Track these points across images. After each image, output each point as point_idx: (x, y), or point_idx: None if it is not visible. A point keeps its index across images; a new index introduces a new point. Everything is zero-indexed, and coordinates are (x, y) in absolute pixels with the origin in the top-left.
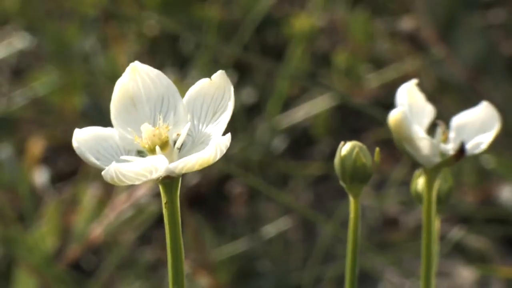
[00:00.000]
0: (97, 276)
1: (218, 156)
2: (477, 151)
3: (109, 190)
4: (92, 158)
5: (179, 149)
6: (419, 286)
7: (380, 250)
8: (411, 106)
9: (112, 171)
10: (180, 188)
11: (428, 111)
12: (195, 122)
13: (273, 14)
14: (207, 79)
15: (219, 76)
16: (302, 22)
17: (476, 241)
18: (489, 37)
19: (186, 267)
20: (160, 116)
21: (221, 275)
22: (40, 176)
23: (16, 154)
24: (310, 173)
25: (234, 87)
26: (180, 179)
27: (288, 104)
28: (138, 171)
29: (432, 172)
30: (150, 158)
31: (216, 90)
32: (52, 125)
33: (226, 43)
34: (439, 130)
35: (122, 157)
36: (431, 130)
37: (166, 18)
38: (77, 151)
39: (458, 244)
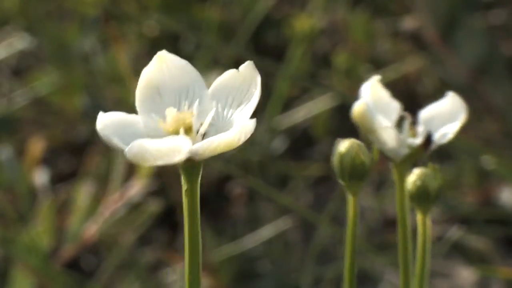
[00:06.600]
0: (97, 277)
1: (243, 139)
2: (444, 140)
3: (103, 188)
4: (116, 140)
5: (202, 137)
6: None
7: (380, 251)
8: (375, 102)
9: (136, 147)
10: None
11: (393, 107)
12: (219, 112)
13: (273, 14)
14: (234, 70)
15: (247, 67)
16: (303, 23)
17: (476, 242)
18: (490, 38)
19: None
20: (185, 103)
21: (221, 275)
22: (40, 177)
23: (16, 154)
24: (310, 174)
25: None
26: (202, 166)
27: (288, 104)
28: (162, 148)
29: (401, 165)
30: (174, 137)
31: (242, 82)
32: (53, 125)
33: (226, 43)
34: (406, 122)
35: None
36: (399, 127)
37: (166, 18)
38: (101, 133)
39: (458, 245)
